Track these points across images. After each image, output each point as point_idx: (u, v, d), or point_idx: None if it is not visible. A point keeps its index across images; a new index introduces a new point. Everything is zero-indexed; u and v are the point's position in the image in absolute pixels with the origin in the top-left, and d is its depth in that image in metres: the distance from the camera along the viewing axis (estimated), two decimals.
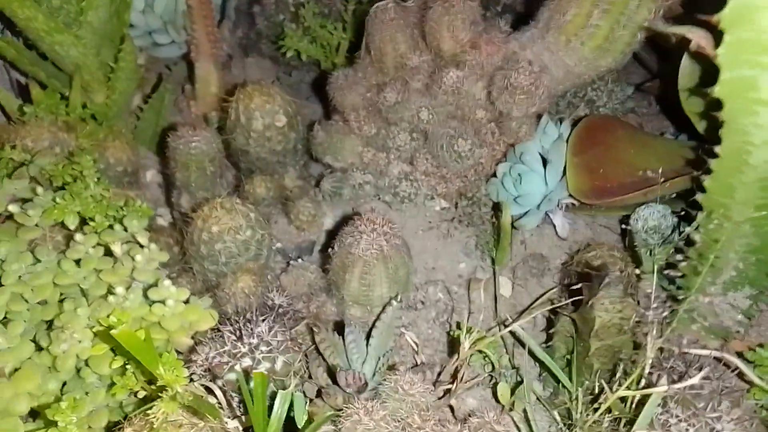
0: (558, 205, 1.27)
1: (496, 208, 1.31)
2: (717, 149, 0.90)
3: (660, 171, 1.20)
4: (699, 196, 0.98)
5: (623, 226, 1.27)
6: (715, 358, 0.90)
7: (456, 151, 1.14)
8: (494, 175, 1.32)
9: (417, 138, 1.20)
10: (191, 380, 0.87)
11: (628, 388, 0.86)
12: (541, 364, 1.03)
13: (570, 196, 1.23)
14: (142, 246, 1.00)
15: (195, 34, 1.51)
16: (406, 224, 1.34)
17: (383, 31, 1.17)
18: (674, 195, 1.18)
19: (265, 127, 1.27)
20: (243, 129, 1.28)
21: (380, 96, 1.18)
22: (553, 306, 1.06)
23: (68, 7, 1.20)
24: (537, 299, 1.23)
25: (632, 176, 1.24)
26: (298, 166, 1.39)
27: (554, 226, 1.33)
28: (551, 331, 1.07)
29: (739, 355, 1.04)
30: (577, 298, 0.98)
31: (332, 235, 1.34)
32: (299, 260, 1.21)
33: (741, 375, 0.95)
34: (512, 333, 1.08)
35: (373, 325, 1.01)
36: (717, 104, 0.86)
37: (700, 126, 1.12)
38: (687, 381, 0.79)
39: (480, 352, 1.04)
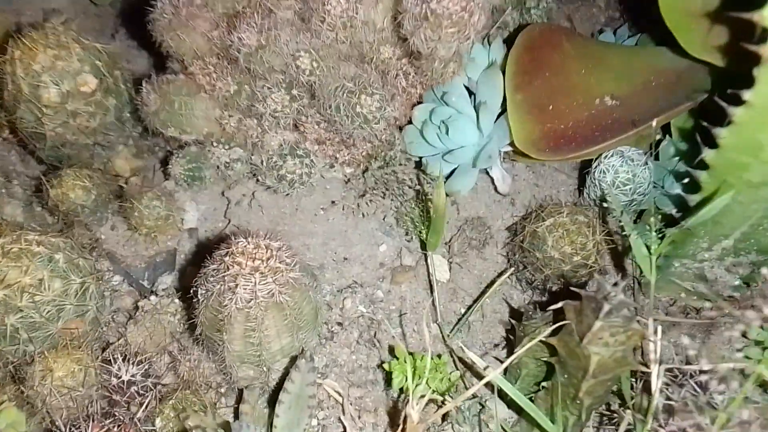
0: (499, 156, 0.96)
1: (419, 166, 0.98)
2: (746, 95, 0.61)
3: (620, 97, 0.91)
4: (708, 153, 0.70)
5: (583, 172, 0.99)
6: None
7: (358, 112, 0.77)
8: (410, 122, 0.97)
9: (299, 96, 0.81)
10: None
11: None
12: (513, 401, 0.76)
13: (512, 146, 0.92)
14: None
15: None
16: (300, 205, 0.98)
17: None
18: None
19: (64, 95, 0.83)
20: (28, 103, 0.83)
21: (233, 36, 0.77)
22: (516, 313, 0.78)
23: None
24: (485, 290, 0.95)
25: (589, 108, 0.94)
26: (131, 141, 0.97)
27: (491, 179, 1.03)
28: (516, 351, 0.78)
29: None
30: (554, 307, 0.70)
31: (198, 235, 0.96)
32: (152, 295, 0.83)
33: None
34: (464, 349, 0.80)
35: (277, 397, 0.69)
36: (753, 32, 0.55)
37: (685, 37, 0.82)
38: None
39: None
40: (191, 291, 0.74)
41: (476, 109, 0.95)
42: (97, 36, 1.26)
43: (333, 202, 0.99)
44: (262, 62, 0.77)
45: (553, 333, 0.70)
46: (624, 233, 0.85)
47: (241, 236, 0.66)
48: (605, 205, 0.90)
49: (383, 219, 1.00)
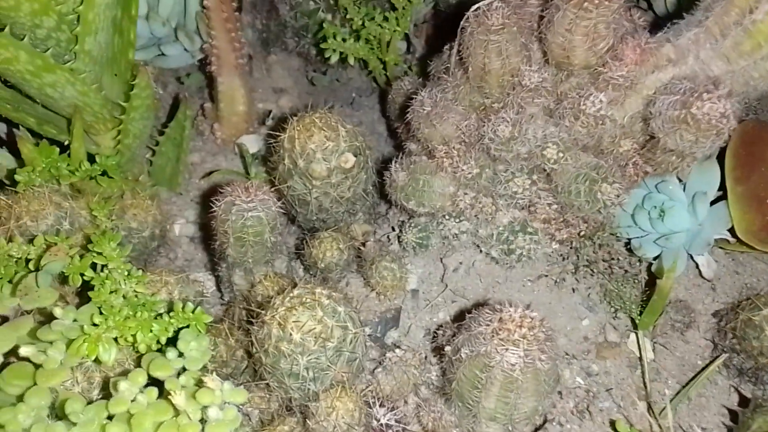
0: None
1: (627, 246, 1.05)
2: None
3: None
4: None
5: None
6: None
7: (599, 198, 0.86)
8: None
9: (538, 180, 0.92)
10: None
11: None
12: None
13: (733, 235, 0.97)
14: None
15: (215, 42, 1.20)
16: (510, 275, 1.07)
17: (488, 41, 0.86)
18: None
19: (330, 170, 0.98)
20: (301, 175, 0.99)
21: (486, 128, 0.89)
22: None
23: (58, 35, 0.88)
24: (697, 374, 0.98)
25: None
26: (367, 210, 1.11)
27: (695, 264, 1.07)
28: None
29: None
30: None
31: (418, 296, 1.07)
32: (397, 348, 0.94)
33: None
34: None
35: None
36: None
37: None
38: None
39: None
40: (443, 349, 0.84)
41: (690, 197, 1.00)
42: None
43: (541, 275, 1.07)
44: (510, 151, 0.88)
45: None
46: None
47: (507, 306, 0.75)
48: None
49: (588, 294, 1.06)
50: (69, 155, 0.99)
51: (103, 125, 1.03)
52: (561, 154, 0.87)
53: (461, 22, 0.90)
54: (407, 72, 1.39)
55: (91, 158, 1.01)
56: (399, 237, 1.07)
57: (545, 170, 0.90)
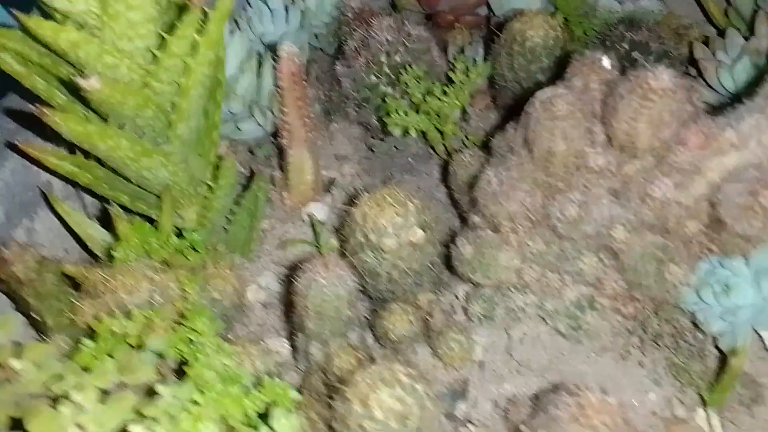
0: None
1: (695, 323, 1.06)
2: None
3: None
4: None
5: None
6: None
7: (667, 279, 0.89)
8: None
9: (606, 258, 0.95)
10: None
11: None
12: None
13: None
14: None
15: (287, 119, 1.27)
16: (574, 348, 1.09)
17: (554, 127, 0.91)
18: None
19: (400, 245, 1.03)
20: (372, 248, 1.04)
21: (553, 208, 0.93)
22: None
23: (155, 123, 0.97)
24: None
25: None
26: (431, 279, 1.15)
27: (760, 337, 1.07)
28: None
29: None
30: None
31: (483, 366, 1.10)
32: (470, 423, 0.96)
33: None
34: None
35: None
36: None
37: None
38: None
39: None
40: (518, 428, 0.86)
41: (754, 272, 1.02)
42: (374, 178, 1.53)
43: (605, 347, 1.08)
44: (578, 231, 0.92)
45: None
46: None
47: (583, 390, 0.78)
48: None
49: (653, 368, 1.07)
50: (157, 229, 1.07)
51: (188, 200, 1.11)
52: (629, 235, 0.90)
53: (526, 107, 0.96)
54: (464, 140, 1.45)
55: (176, 231, 1.09)
56: (464, 307, 1.11)
57: (612, 249, 0.94)
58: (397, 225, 1.02)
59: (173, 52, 0.88)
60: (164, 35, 0.87)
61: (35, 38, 0.85)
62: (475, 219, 1.10)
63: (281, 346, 1.16)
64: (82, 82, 0.78)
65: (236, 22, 1.48)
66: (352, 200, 1.09)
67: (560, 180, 0.96)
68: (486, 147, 1.26)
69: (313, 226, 1.29)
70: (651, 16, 1.71)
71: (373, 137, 1.58)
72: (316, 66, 1.62)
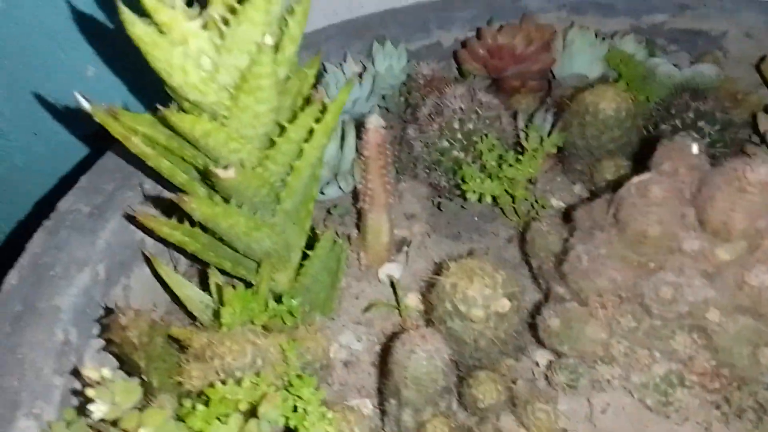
0: None
1: None
2: None
3: None
4: None
5: None
6: None
7: (761, 362, 0.92)
8: None
9: (697, 338, 0.98)
10: None
11: None
12: None
13: None
14: None
15: (370, 185, 1.33)
16: (658, 419, 1.11)
17: (649, 212, 0.96)
18: None
19: (488, 315, 1.07)
20: (461, 317, 1.08)
21: (647, 288, 0.97)
22: None
23: (267, 199, 1.03)
24: None
25: None
26: (515, 347, 1.18)
27: None
28: None
29: None
30: None
31: None
32: None
33: None
34: None
35: None
36: None
37: None
38: None
39: None
40: None
41: None
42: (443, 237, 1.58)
43: (688, 419, 1.10)
44: (671, 311, 0.96)
45: None
46: None
47: None
48: None
49: None
50: (254, 293, 1.12)
51: (283, 265, 1.16)
52: (723, 318, 0.93)
53: (620, 191, 1.00)
54: (533, 204, 1.49)
55: (273, 295, 1.14)
56: (546, 375, 1.14)
57: (704, 329, 0.97)
58: (486, 297, 1.07)
59: (291, 138, 0.94)
60: (284, 124, 0.93)
61: (166, 125, 0.92)
62: (559, 290, 1.14)
63: (364, 407, 1.19)
64: (220, 172, 0.84)
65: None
66: (436, 267, 1.14)
67: (652, 260, 1.00)
68: (565, 216, 1.31)
69: (393, 288, 1.33)
70: (709, 81, 1.75)
71: (440, 196, 1.63)
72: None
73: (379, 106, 1.74)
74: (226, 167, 0.85)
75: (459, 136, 1.48)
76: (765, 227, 0.91)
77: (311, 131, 0.96)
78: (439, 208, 1.63)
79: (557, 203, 1.53)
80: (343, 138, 1.43)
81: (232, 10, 0.83)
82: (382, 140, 1.29)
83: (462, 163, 1.48)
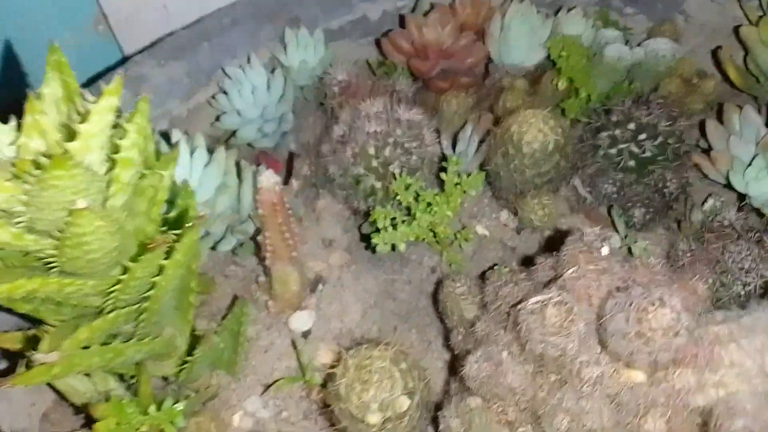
0: None
1: None
2: None
3: None
4: None
5: None
6: None
7: None
8: None
9: None
10: None
11: None
12: None
13: None
14: None
15: (269, 242, 1.21)
16: None
17: (544, 337, 0.87)
18: None
19: (384, 418, 1.01)
20: (356, 421, 1.02)
21: (545, 413, 0.90)
22: None
23: (128, 322, 0.92)
24: None
25: None
26: None
27: None
28: None
29: None
30: None
31: None
32: None
33: None
34: None
35: None
36: None
37: None
38: None
39: None
40: None
41: None
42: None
43: None
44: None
45: None
46: None
47: None
48: None
49: None
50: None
51: (168, 357, 1.08)
52: None
53: (515, 314, 0.91)
54: (456, 236, 1.37)
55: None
56: None
57: None
58: (383, 400, 1.00)
59: (137, 276, 0.81)
60: (128, 264, 0.80)
61: None
62: (459, 384, 1.08)
63: None
64: (40, 357, 0.73)
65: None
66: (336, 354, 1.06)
67: (553, 373, 0.93)
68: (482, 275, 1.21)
69: (297, 356, 1.25)
70: (663, 62, 1.58)
71: (363, 221, 1.50)
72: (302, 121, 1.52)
73: (297, 96, 1.56)
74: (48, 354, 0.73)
75: (374, 164, 1.33)
76: (667, 360, 0.83)
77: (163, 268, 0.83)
78: (359, 229, 1.51)
79: (482, 231, 1.42)
80: (240, 179, 1.28)
81: (37, 165, 0.67)
82: (277, 199, 1.15)
83: (378, 192, 1.35)
